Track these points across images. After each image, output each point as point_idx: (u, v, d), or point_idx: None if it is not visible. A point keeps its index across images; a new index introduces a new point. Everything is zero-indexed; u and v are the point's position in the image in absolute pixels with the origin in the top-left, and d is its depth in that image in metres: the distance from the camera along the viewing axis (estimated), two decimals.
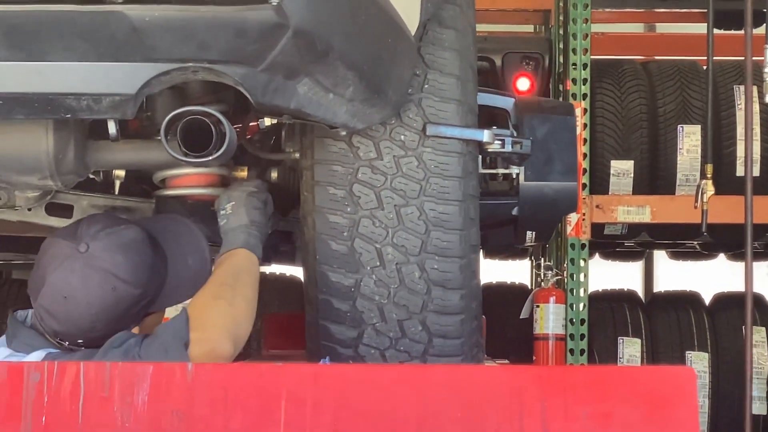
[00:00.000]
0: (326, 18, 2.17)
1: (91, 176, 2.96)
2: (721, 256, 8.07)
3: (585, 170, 5.53)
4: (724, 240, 6.18)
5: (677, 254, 8.41)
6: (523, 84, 5.79)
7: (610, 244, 7.19)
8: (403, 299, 2.83)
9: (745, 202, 4.79)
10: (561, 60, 5.74)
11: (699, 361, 5.82)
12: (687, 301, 6.25)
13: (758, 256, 6.06)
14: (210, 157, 2.49)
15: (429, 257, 2.83)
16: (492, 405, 2.00)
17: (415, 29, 2.62)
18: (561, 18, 5.79)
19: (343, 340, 2.85)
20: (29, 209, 3.05)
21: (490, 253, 7.80)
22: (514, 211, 3.29)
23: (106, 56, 2.15)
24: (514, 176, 3.26)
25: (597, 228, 5.69)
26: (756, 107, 5.37)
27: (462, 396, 2.01)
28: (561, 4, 5.77)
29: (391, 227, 2.81)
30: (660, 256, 9.52)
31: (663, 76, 5.84)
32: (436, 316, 2.86)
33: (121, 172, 3.02)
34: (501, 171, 3.26)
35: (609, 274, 8.01)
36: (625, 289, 6.95)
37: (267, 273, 6.26)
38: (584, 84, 5.55)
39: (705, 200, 5.16)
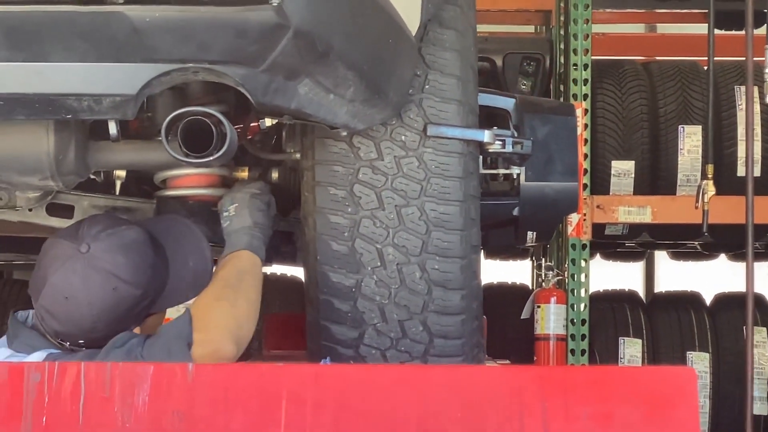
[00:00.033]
0: (327, 18, 2.17)
1: (92, 177, 2.96)
2: (722, 257, 8.06)
3: (586, 170, 5.52)
4: (725, 240, 6.17)
5: (678, 254, 8.41)
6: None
7: (611, 244, 7.18)
8: (404, 299, 2.83)
9: (746, 202, 4.79)
10: (562, 60, 5.74)
11: (700, 362, 5.82)
12: (688, 301, 6.24)
13: (759, 256, 6.05)
14: (211, 158, 2.49)
15: (430, 257, 2.83)
16: (493, 405, 2.00)
17: (415, 30, 2.62)
18: (562, 18, 5.78)
19: (344, 341, 2.86)
20: (30, 210, 3.05)
21: (491, 254, 7.80)
22: (515, 212, 3.29)
23: (107, 57, 2.15)
24: (515, 176, 3.26)
25: (598, 228, 5.69)
26: (757, 107, 5.36)
27: (463, 396, 2.01)
28: (562, 4, 5.77)
29: (392, 227, 2.81)
30: (661, 257, 9.51)
31: (664, 76, 5.84)
32: (437, 317, 2.86)
33: (122, 173, 3.02)
34: (502, 171, 3.26)
35: (610, 275, 8.01)
36: (626, 290, 6.94)
37: (268, 273, 6.26)
38: (585, 84, 5.55)
39: (706, 200, 5.15)
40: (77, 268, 2.52)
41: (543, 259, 6.10)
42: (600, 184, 5.66)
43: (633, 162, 5.68)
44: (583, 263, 5.56)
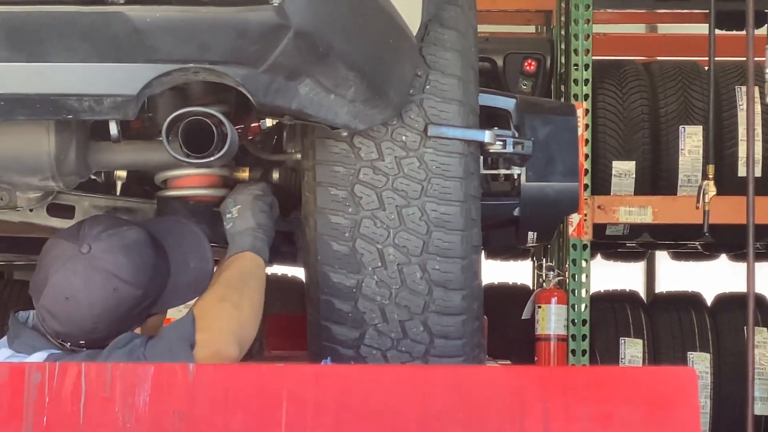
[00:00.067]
0: (327, 19, 2.17)
1: (93, 177, 2.96)
2: (723, 257, 8.07)
3: (587, 171, 5.52)
4: (725, 240, 6.17)
5: (679, 255, 8.41)
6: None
7: (612, 244, 7.19)
8: (404, 300, 2.83)
9: (746, 202, 4.79)
10: (563, 61, 5.75)
11: (701, 362, 5.82)
12: (689, 301, 6.24)
13: (760, 256, 6.06)
14: (211, 158, 2.49)
15: (430, 258, 2.83)
16: (493, 405, 2.00)
17: (416, 30, 2.62)
18: (563, 19, 5.79)
19: (345, 341, 2.85)
20: (31, 210, 3.05)
21: (492, 254, 7.80)
22: (516, 212, 3.29)
23: (108, 57, 2.15)
24: (516, 177, 3.26)
25: (599, 228, 5.69)
26: (758, 108, 5.36)
27: (463, 396, 2.01)
28: (563, 4, 5.77)
29: (393, 228, 2.81)
30: (662, 257, 9.52)
31: (665, 76, 5.84)
32: (437, 317, 2.85)
33: (123, 173, 3.02)
34: (502, 171, 3.26)
35: (611, 275, 8.01)
36: (627, 290, 6.95)
37: (269, 274, 6.25)
38: (586, 85, 5.55)
39: (707, 201, 5.16)
40: (78, 269, 2.52)
41: (544, 260, 6.09)
42: (601, 184, 5.66)
43: (634, 162, 5.68)
44: (583, 263, 5.57)
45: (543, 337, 5.53)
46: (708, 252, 7.64)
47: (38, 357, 2.51)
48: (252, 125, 2.87)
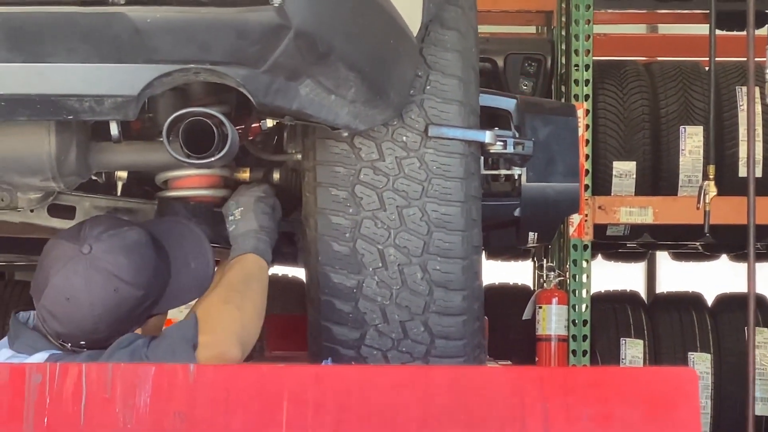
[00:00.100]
0: (328, 19, 2.17)
1: (94, 178, 2.96)
2: (724, 257, 8.07)
3: (587, 171, 5.53)
4: (726, 241, 6.17)
5: (680, 255, 8.41)
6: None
7: (613, 245, 7.19)
8: (405, 300, 2.83)
9: (747, 203, 4.80)
10: (563, 61, 5.75)
11: (701, 362, 5.82)
12: (689, 302, 6.24)
13: (761, 257, 6.06)
14: (212, 159, 2.49)
15: (431, 258, 2.83)
16: (494, 406, 2.00)
17: (417, 30, 2.62)
18: (563, 19, 5.79)
19: (346, 341, 2.85)
20: (32, 211, 3.05)
21: (493, 254, 7.80)
22: (516, 212, 3.29)
23: (108, 58, 2.15)
24: (516, 177, 3.26)
25: (599, 229, 5.69)
26: (758, 108, 5.37)
27: (464, 397, 2.01)
28: (563, 5, 5.77)
29: (393, 228, 2.81)
30: (662, 257, 9.52)
31: (665, 77, 5.84)
32: (438, 317, 2.85)
33: (124, 174, 3.02)
34: (503, 172, 3.26)
35: (611, 275, 8.01)
36: (628, 290, 6.95)
37: (269, 274, 6.25)
38: (586, 85, 5.55)
39: (707, 201, 5.16)
40: (79, 269, 2.52)
41: (544, 260, 6.10)
42: (601, 184, 5.66)
43: (634, 163, 5.68)
44: (584, 264, 5.57)
45: (544, 338, 5.53)
46: (709, 252, 7.65)
47: (39, 358, 2.51)
48: (252, 126, 2.87)
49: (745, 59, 4.96)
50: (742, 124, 5.61)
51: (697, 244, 6.99)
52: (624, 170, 5.67)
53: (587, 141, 5.53)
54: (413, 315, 2.84)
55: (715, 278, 8.27)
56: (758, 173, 5.28)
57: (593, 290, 5.77)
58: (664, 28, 8.77)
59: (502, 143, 3.03)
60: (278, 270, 5.99)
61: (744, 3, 4.86)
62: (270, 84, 2.21)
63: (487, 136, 2.91)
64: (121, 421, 1.99)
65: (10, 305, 6.37)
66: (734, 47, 5.86)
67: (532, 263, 7.81)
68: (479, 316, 2.98)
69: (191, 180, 2.98)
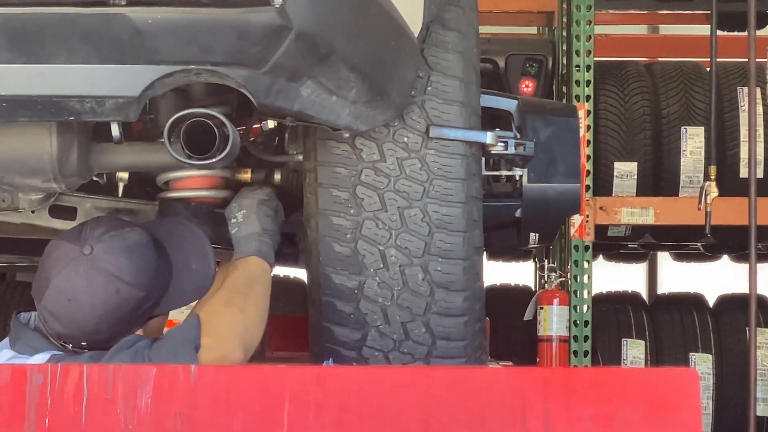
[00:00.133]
0: (329, 20, 2.17)
1: (95, 178, 2.96)
2: (725, 258, 8.07)
3: (588, 172, 5.53)
4: (727, 241, 6.17)
5: (681, 256, 8.42)
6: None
7: (614, 245, 7.19)
8: (406, 301, 2.83)
9: (748, 203, 4.80)
10: (564, 62, 5.75)
11: (703, 363, 5.82)
12: (691, 302, 6.24)
13: (762, 257, 6.06)
14: (213, 160, 2.49)
15: (432, 259, 2.83)
16: (495, 407, 2.00)
17: (418, 31, 2.62)
18: (564, 20, 5.79)
19: (347, 342, 2.85)
20: (33, 212, 3.05)
21: (494, 255, 7.80)
22: (518, 213, 3.29)
23: (109, 59, 2.15)
24: (518, 178, 3.26)
25: (600, 230, 5.69)
26: (760, 109, 5.37)
27: (465, 398, 2.01)
28: (564, 5, 5.77)
29: (395, 229, 2.81)
30: (664, 258, 9.52)
31: (666, 77, 5.84)
32: (439, 318, 2.85)
33: (125, 175, 3.02)
34: (504, 173, 3.26)
35: (613, 276, 8.02)
36: (629, 291, 6.95)
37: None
38: (588, 86, 5.55)
39: (708, 202, 5.16)
40: (80, 270, 2.52)
41: (546, 261, 6.10)
42: (603, 185, 5.66)
43: (636, 163, 5.68)
44: (585, 265, 5.57)
45: (545, 339, 5.53)
46: (710, 253, 7.65)
47: (40, 358, 2.51)
48: (254, 126, 2.87)
49: (746, 60, 4.97)
50: (744, 125, 5.61)
51: (699, 244, 7.00)
52: (625, 171, 5.68)
53: (588, 142, 5.53)
54: (414, 316, 2.84)
55: (716, 279, 8.28)
56: (759, 174, 5.28)
57: (594, 291, 5.78)
58: (665, 29, 8.77)
59: (503, 144, 3.03)
60: (279, 271, 5.99)
61: (745, 4, 4.86)
62: (271, 85, 2.21)
63: (488, 137, 2.91)
64: (122, 422, 1.99)
65: (11, 306, 6.37)
66: (735, 48, 5.86)
67: (533, 264, 7.81)
68: (480, 317, 2.98)
69: (192, 181, 2.98)
